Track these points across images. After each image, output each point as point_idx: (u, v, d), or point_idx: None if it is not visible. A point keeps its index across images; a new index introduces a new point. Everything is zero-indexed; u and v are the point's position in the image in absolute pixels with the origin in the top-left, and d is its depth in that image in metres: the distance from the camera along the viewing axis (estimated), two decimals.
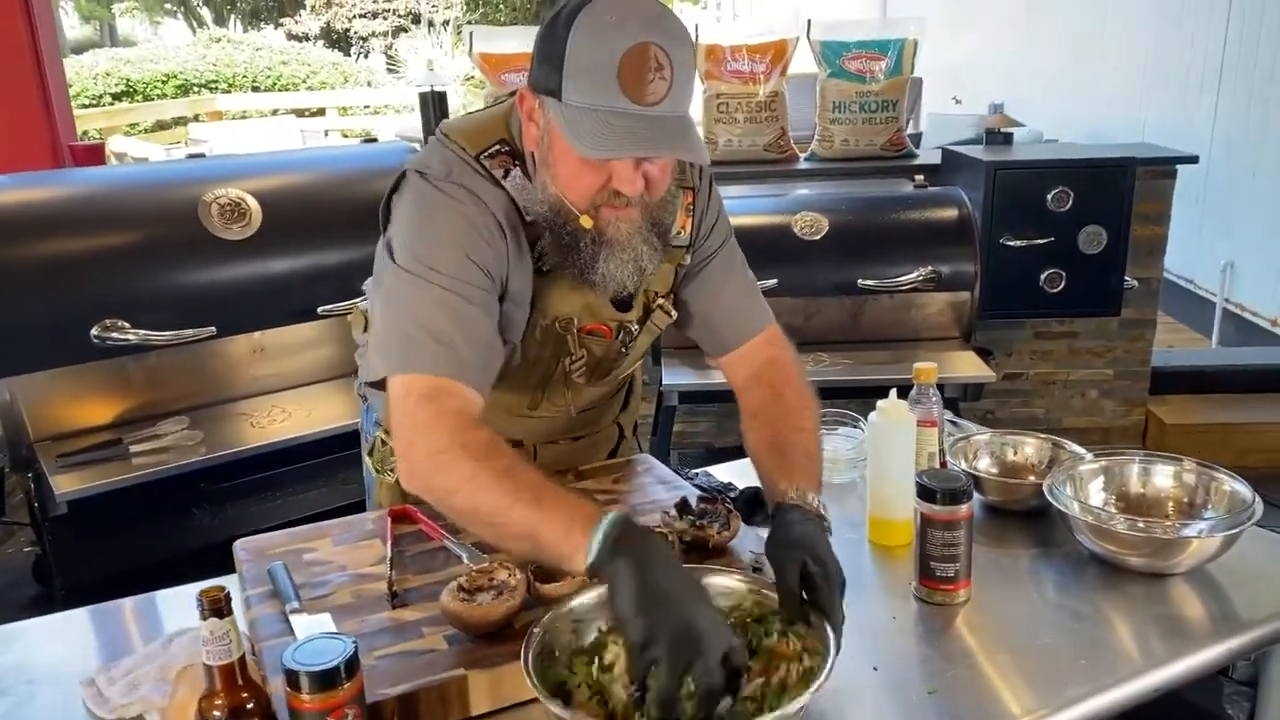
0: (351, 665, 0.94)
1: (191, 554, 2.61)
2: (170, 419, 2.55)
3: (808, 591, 1.10)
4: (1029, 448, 1.63)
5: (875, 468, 1.46)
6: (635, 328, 1.44)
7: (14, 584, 3.15)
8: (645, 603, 0.98)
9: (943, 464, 1.56)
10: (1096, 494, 1.48)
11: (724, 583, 1.17)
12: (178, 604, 1.39)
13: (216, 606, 0.90)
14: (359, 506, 1.70)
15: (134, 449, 2.43)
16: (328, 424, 2.64)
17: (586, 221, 1.25)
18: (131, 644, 1.29)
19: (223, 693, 0.92)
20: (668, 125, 1.17)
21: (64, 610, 1.40)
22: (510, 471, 1.12)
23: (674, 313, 1.46)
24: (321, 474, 2.78)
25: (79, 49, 15.37)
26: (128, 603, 1.41)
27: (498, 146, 1.31)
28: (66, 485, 2.28)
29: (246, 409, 2.69)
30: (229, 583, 1.40)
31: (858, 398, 2.93)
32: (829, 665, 1.02)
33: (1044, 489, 1.44)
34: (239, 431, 2.58)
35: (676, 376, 2.88)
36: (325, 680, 0.93)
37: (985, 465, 1.61)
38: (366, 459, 1.65)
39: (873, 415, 1.45)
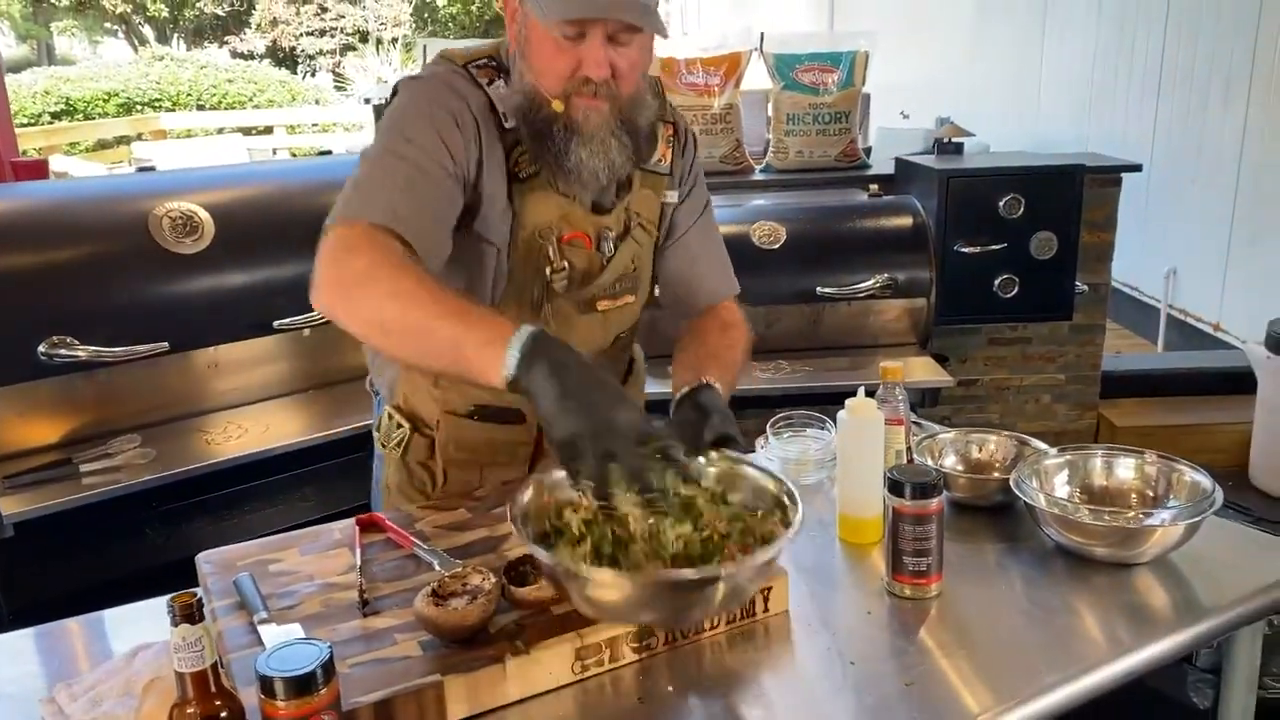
0: (328, 670, 0.92)
1: (143, 575, 2.53)
2: (122, 437, 2.47)
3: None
4: (993, 445, 1.65)
5: (845, 466, 1.47)
6: (612, 234, 1.47)
7: None
8: (565, 404, 1.05)
9: (910, 462, 1.57)
10: (1061, 487, 1.50)
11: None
12: (138, 619, 1.36)
13: (188, 612, 0.88)
14: (318, 524, 1.68)
15: (84, 468, 2.36)
16: (284, 440, 2.59)
17: (558, 105, 1.32)
18: (90, 661, 1.25)
19: (195, 701, 0.90)
20: (638, 13, 1.26)
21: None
22: (440, 292, 1.18)
23: (654, 231, 1.51)
24: (279, 491, 2.72)
25: (15, 68, 15.02)
26: (84, 620, 1.37)
27: (486, 60, 1.41)
28: (14, 507, 2.20)
29: (201, 426, 2.63)
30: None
31: (818, 404, 2.96)
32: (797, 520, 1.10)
33: (1010, 483, 1.46)
34: (193, 449, 2.52)
35: (647, 386, 2.87)
36: (301, 686, 0.90)
37: (951, 463, 1.63)
38: (375, 433, 1.66)
39: (841, 414, 1.46)
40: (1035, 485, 1.46)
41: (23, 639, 1.34)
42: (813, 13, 12.44)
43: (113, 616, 1.39)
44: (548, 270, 1.42)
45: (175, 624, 0.88)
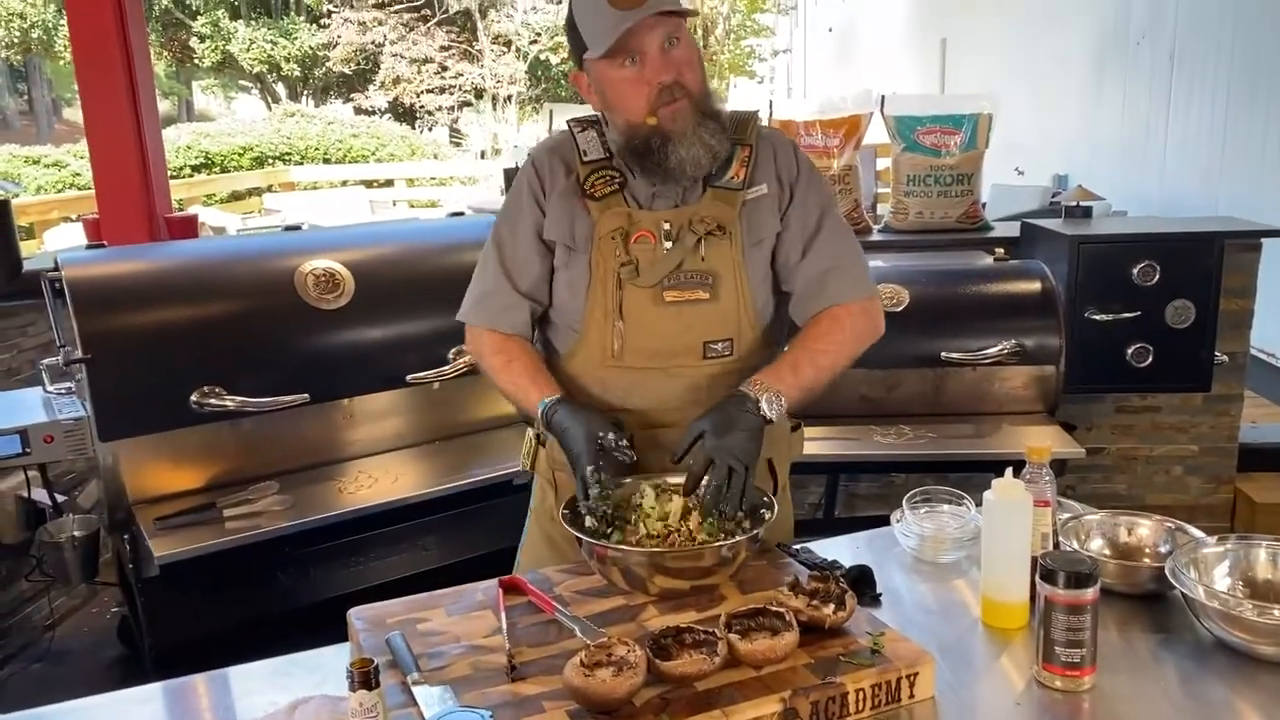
0: None
1: (275, 618, 2.63)
2: (261, 484, 2.58)
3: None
4: (1143, 529, 1.59)
5: (990, 549, 1.44)
6: (671, 228, 1.64)
7: (98, 645, 3.20)
8: (568, 447, 1.57)
9: (1055, 545, 1.53)
10: (1221, 579, 1.44)
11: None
12: (289, 670, 1.40)
13: (366, 678, 0.91)
14: (437, 574, 1.74)
15: (227, 513, 2.47)
16: (412, 491, 2.67)
17: (651, 120, 1.57)
18: (254, 710, 1.30)
19: None
20: (656, 3, 1.51)
21: (153, 673, 1.43)
22: (512, 363, 1.70)
23: (730, 234, 1.64)
24: (401, 540, 2.79)
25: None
26: (236, 671, 1.42)
27: (586, 118, 1.75)
28: (164, 548, 2.31)
29: (334, 474, 2.73)
30: (328, 652, 1.42)
31: (939, 471, 2.89)
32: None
33: (1166, 571, 1.40)
34: (327, 497, 2.62)
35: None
36: None
37: (1098, 547, 1.58)
38: (522, 459, 1.85)
39: (988, 494, 1.43)
40: (1194, 575, 1.40)
41: (180, 687, 1.40)
42: (919, 70, 12.39)
43: (262, 668, 1.44)
44: (618, 265, 1.64)
45: (353, 689, 0.91)
